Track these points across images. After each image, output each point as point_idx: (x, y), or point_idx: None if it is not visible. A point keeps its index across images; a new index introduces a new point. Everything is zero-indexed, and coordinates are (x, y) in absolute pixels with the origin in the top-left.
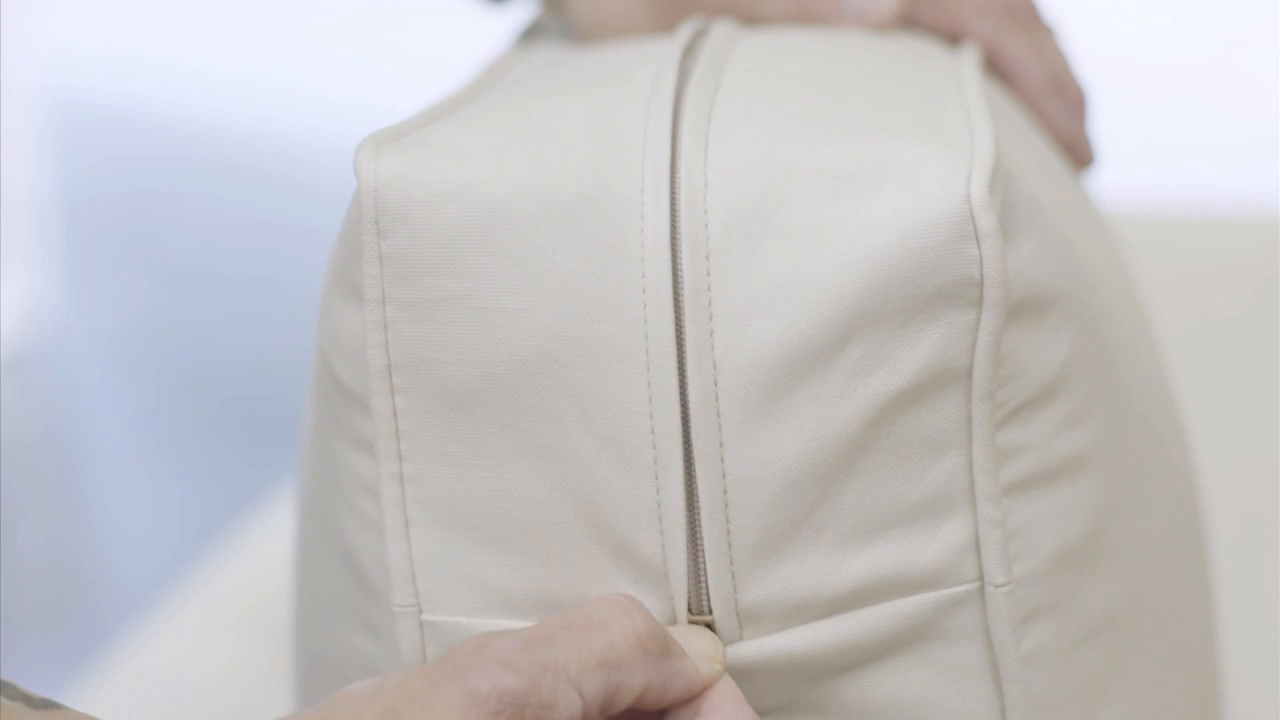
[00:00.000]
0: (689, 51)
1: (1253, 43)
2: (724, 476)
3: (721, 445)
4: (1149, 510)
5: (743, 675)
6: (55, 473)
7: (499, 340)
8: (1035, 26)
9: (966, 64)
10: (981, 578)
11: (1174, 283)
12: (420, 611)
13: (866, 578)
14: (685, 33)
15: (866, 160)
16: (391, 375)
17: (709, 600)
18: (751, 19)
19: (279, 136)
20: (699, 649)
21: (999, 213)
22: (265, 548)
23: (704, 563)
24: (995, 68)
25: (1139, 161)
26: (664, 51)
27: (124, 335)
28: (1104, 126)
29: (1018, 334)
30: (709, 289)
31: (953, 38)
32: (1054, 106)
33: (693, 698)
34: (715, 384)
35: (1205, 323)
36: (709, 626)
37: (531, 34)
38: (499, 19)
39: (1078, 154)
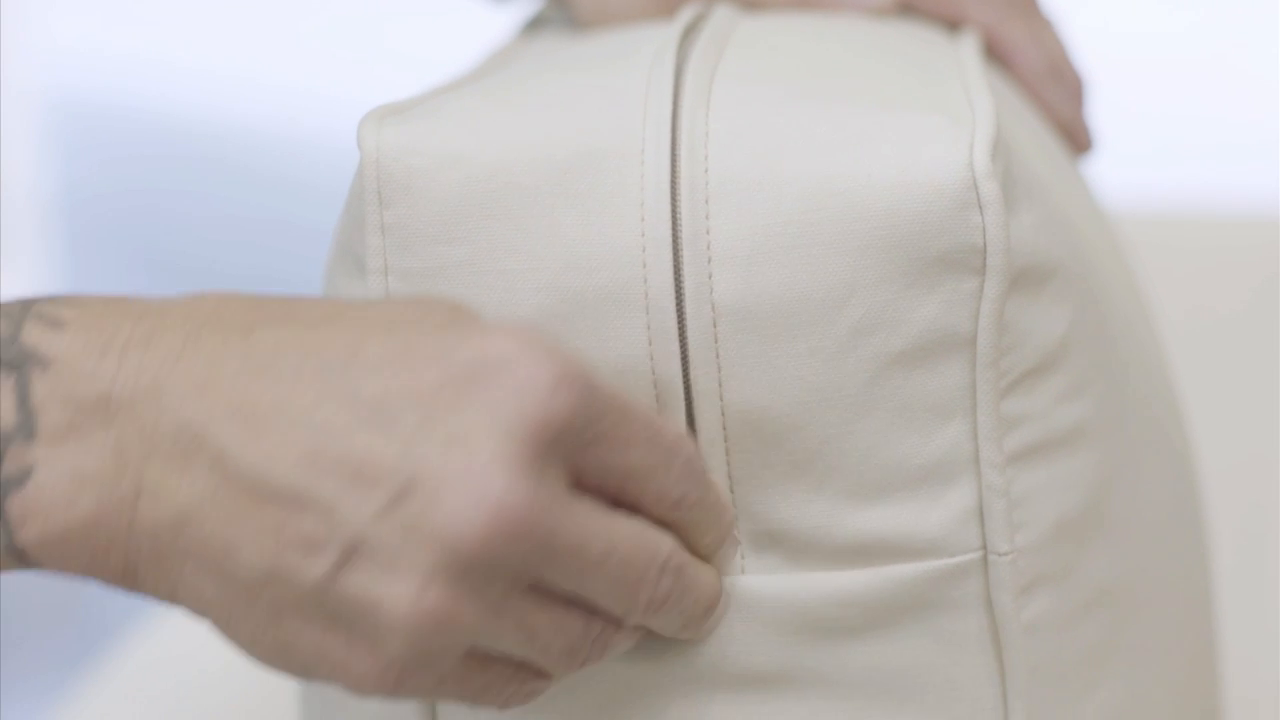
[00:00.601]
0: (690, 31)
1: (1253, 43)
2: (723, 414)
3: (720, 385)
4: (1147, 486)
5: (748, 621)
6: None
7: (500, 302)
8: (1034, 14)
9: (966, 47)
10: (984, 546)
11: (1174, 282)
12: None
13: (870, 536)
14: (686, 14)
15: (870, 125)
16: None
17: None
18: (751, 4)
19: (281, 135)
20: None
21: (1001, 182)
22: None
23: None
24: (994, 53)
25: (1138, 161)
26: (665, 31)
27: None
28: (1103, 126)
29: (1020, 303)
30: (708, 232)
31: (952, 24)
32: (1052, 91)
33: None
34: (714, 325)
35: (1205, 322)
36: None
37: (535, 25)
38: (501, 17)
39: (1076, 139)
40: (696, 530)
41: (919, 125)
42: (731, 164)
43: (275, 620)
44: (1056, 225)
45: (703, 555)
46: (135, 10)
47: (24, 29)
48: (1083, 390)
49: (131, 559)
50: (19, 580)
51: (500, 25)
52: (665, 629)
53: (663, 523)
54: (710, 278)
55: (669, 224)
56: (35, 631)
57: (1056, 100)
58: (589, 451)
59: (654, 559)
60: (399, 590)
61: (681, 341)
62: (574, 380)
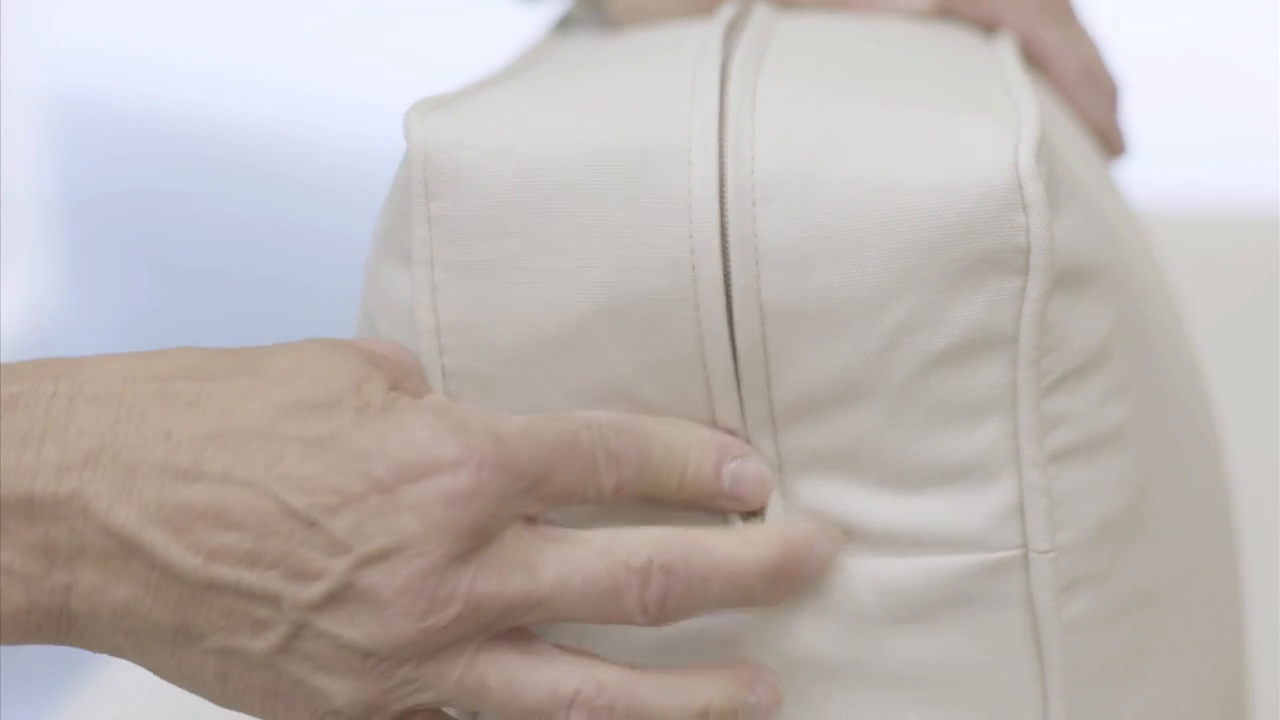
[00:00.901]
0: (731, 29)
1: (1253, 42)
2: (770, 404)
3: (768, 379)
4: (1184, 486)
5: (790, 604)
6: None
7: (549, 299)
8: (1069, 19)
9: (1003, 49)
10: (1025, 544)
11: (1174, 281)
12: None
13: (911, 525)
14: (727, 12)
15: (914, 125)
16: (440, 337)
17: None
18: (789, 3)
19: (283, 135)
20: None
21: (1045, 182)
22: None
23: None
24: (1029, 57)
25: (1139, 160)
26: (707, 28)
27: (127, 334)
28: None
29: (1062, 303)
30: (755, 234)
31: (988, 27)
32: (1087, 95)
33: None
34: (762, 325)
35: (1205, 321)
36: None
37: (565, 25)
38: (514, 17)
39: (1110, 143)
40: (663, 485)
41: (964, 125)
42: (778, 164)
43: (222, 682)
44: (1098, 226)
45: (690, 497)
46: (136, 10)
47: (24, 29)
48: (1124, 391)
49: (66, 633)
50: None
51: (503, 24)
52: (733, 610)
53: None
54: (758, 279)
55: (717, 227)
56: None
57: (1091, 104)
58: (524, 500)
59: (623, 564)
60: (337, 686)
61: (731, 340)
62: (492, 461)
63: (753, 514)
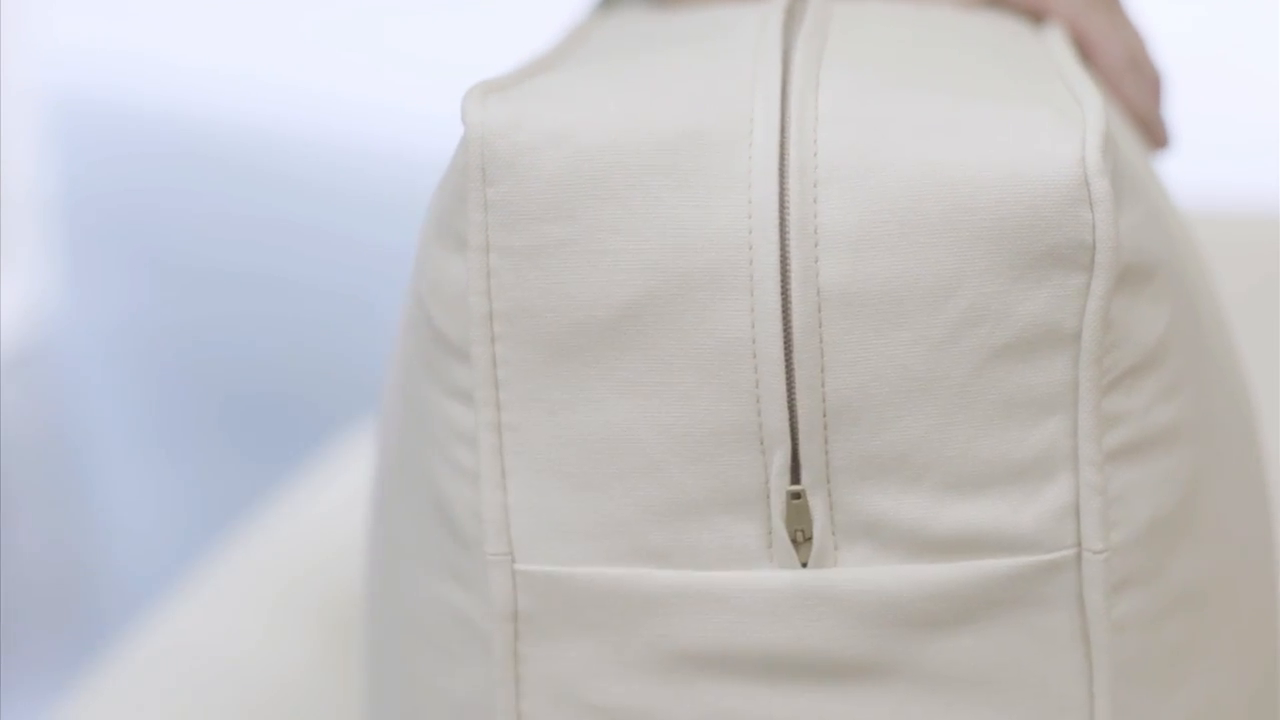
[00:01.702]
0: (790, 14)
1: (1253, 41)
2: (824, 400)
3: (823, 370)
4: (1231, 485)
5: (839, 612)
6: (57, 471)
7: (603, 283)
8: (1115, 7)
9: (1055, 41)
10: (1079, 544)
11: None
12: (513, 560)
13: (966, 530)
14: None
15: (981, 116)
16: (492, 323)
17: (808, 522)
18: None
19: (283, 134)
20: None
21: (1110, 179)
22: (305, 523)
23: (803, 484)
24: (1075, 46)
25: None
26: (764, 13)
27: (127, 332)
28: None
29: (1124, 301)
30: (815, 215)
31: (1035, 16)
32: (1132, 85)
33: None
34: (819, 310)
35: None
36: (807, 541)
37: (609, 4)
38: (526, 13)
39: (1153, 134)
40: None
41: (1030, 118)
42: (841, 148)
43: None
44: (1156, 223)
45: None
46: (136, 8)
47: (24, 27)
48: (1178, 390)
49: None
50: (19, 581)
51: (503, 24)
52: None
53: None
54: (816, 261)
55: (776, 206)
56: (35, 632)
57: (1135, 94)
58: None
59: None
60: None
61: (785, 325)
62: None
63: (802, 532)
